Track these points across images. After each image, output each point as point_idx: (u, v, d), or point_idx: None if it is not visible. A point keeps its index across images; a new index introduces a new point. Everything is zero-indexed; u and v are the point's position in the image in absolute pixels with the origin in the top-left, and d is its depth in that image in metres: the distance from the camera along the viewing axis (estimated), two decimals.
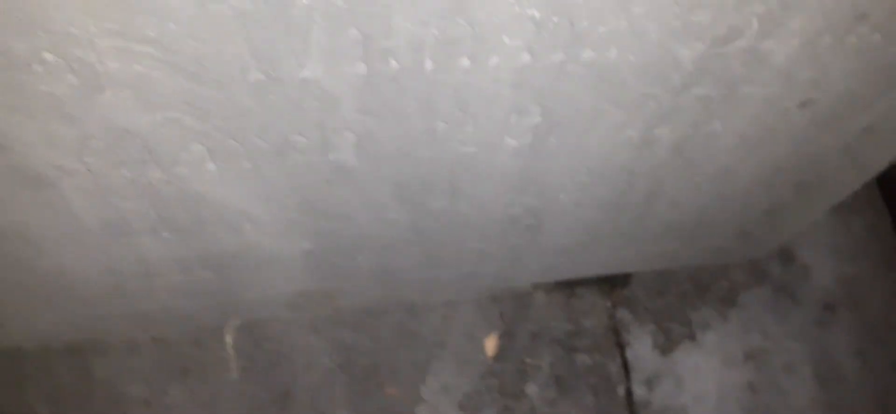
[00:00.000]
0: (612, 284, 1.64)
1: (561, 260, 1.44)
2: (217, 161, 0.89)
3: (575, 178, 1.09)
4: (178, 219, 1.01)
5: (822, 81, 0.91)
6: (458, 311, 1.59)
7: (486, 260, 1.37)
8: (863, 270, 1.69)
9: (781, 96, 0.93)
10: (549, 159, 1.01)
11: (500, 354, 1.57)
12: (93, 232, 1.01)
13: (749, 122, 0.99)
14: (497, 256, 1.36)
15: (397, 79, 0.78)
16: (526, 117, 0.90)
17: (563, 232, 1.28)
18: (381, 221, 1.13)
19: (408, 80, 0.79)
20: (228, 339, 1.52)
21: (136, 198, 0.94)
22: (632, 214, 1.24)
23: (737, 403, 1.57)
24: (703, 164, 1.10)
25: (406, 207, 1.09)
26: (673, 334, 1.61)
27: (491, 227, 1.22)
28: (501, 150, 0.97)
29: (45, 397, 1.46)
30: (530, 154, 0.99)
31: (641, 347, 1.60)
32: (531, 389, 1.55)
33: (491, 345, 1.58)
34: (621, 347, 1.59)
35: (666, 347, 1.60)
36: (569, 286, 1.63)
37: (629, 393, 1.56)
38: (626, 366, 1.58)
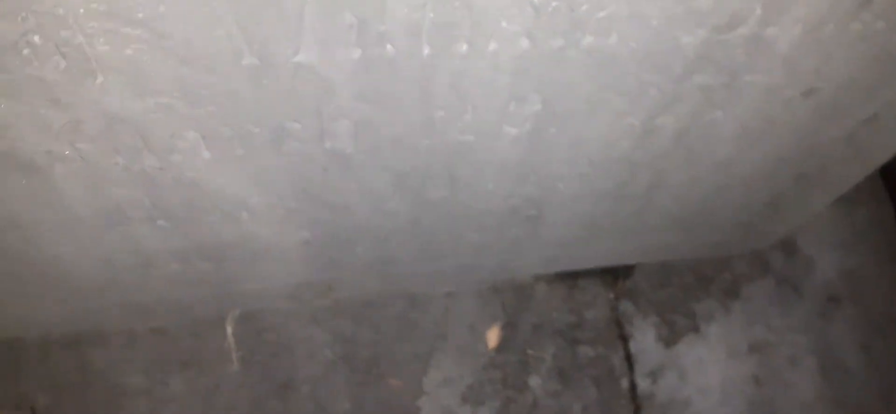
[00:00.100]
0: (614, 275, 1.63)
1: (562, 251, 1.43)
2: (212, 148, 0.88)
3: (575, 169, 1.07)
4: (173, 207, 1.01)
5: (825, 70, 0.90)
6: (459, 302, 1.58)
7: (486, 251, 1.37)
8: (866, 262, 1.68)
9: (784, 85, 0.92)
10: (549, 149, 1.00)
11: (503, 346, 1.56)
12: (87, 221, 1.00)
13: (751, 112, 0.97)
14: (497, 247, 1.35)
15: (393, 64, 0.77)
16: (525, 105, 0.89)
17: (564, 223, 1.27)
18: (379, 210, 1.12)
19: (404, 66, 0.78)
20: (229, 329, 1.52)
21: (131, 186, 0.93)
22: (633, 204, 1.23)
23: (741, 395, 1.56)
24: (705, 155, 1.08)
25: (405, 196, 1.09)
26: (676, 326, 1.60)
27: (491, 218, 1.21)
28: (501, 139, 0.96)
29: (43, 388, 1.46)
30: (530, 143, 0.98)
31: (645, 340, 1.59)
32: (534, 381, 1.54)
33: (493, 337, 1.57)
34: (624, 339, 1.58)
35: (669, 339, 1.59)
36: (571, 278, 1.61)
37: (633, 385, 1.55)
38: (629, 358, 1.57)
